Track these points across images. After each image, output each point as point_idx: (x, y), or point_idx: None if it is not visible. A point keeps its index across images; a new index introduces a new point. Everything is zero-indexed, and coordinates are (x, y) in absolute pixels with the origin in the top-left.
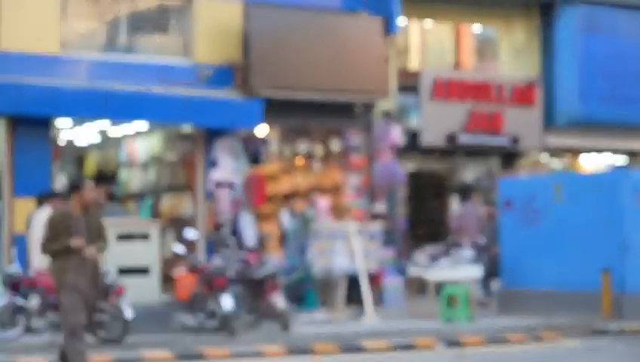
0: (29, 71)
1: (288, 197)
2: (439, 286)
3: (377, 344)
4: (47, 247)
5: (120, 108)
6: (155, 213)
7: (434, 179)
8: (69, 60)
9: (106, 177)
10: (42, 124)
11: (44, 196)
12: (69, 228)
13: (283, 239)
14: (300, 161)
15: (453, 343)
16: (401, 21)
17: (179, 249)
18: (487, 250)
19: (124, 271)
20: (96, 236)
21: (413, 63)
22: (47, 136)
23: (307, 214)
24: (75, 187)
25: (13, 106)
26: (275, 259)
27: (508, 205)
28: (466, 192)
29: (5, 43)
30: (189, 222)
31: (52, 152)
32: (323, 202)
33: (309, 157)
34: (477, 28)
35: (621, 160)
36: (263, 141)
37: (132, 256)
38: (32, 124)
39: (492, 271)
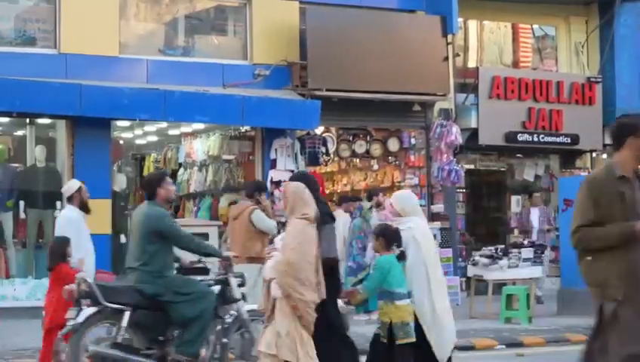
0: (89, 73)
1: (345, 198)
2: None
3: None
4: (586, 236)
5: (178, 108)
6: (214, 213)
7: (492, 179)
8: (127, 62)
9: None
10: (102, 125)
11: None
12: (624, 202)
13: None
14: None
15: (512, 343)
16: (459, 20)
17: None
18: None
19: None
20: None
21: (472, 62)
22: (106, 137)
23: (366, 212)
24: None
25: (73, 108)
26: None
27: (567, 204)
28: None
29: (65, 45)
30: None
31: (111, 153)
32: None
33: (367, 156)
34: (535, 26)
35: None
36: (321, 141)
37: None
38: (91, 125)
39: None
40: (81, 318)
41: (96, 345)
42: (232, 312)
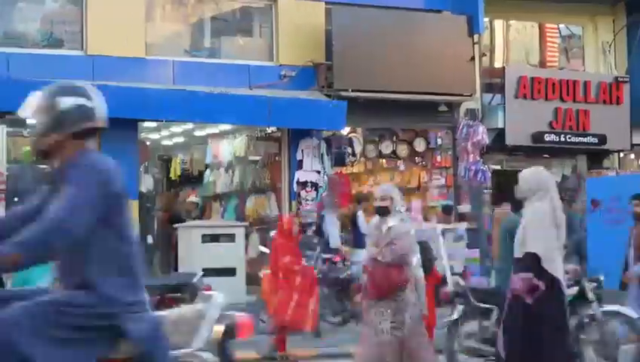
0: (115, 74)
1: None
2: None
3: None
4: None
5: (204, 109)
6: (240, 214)
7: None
8: (154, 63)
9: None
10: (128, 127)
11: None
12: None
13: (356, 239)
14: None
15: None
16: (485, 20)
17: (265, 249)
18: None
19: (210, 272)
20: None
21: (498, 62)
22: (133, 138)
23: None
24: None
25: None
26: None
27: (594, 205)
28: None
29: (92, 47)
30: (274, 222)
31: (138, 154)
32: (415, 203)
33: (393, 157)
34: (562, 26)
35: None
36: (347, 142)
37: (218, 257)
38: (118, 127)
39: None
40: (455, 315)
41: (469, 339)
42: (588, 312)
